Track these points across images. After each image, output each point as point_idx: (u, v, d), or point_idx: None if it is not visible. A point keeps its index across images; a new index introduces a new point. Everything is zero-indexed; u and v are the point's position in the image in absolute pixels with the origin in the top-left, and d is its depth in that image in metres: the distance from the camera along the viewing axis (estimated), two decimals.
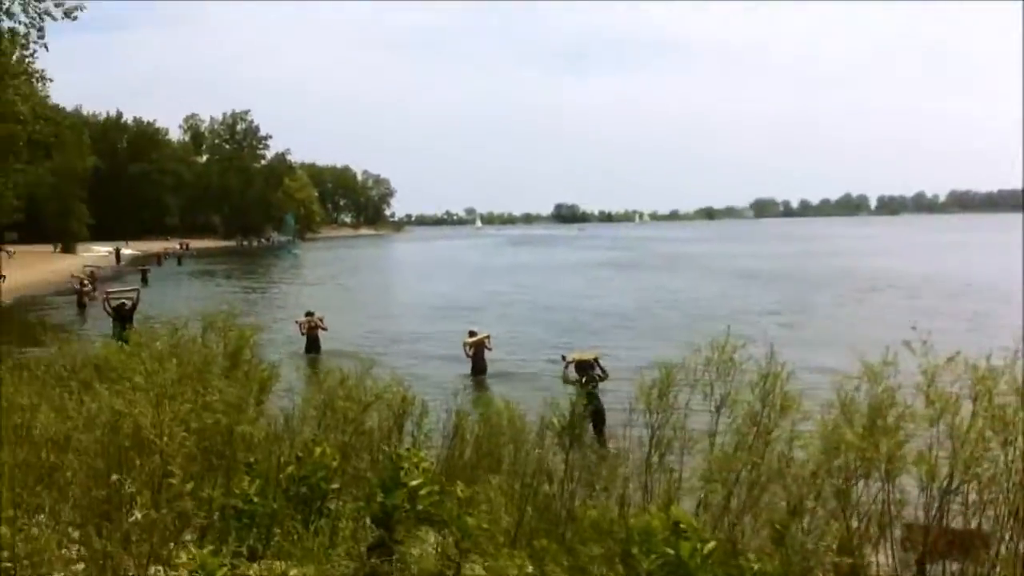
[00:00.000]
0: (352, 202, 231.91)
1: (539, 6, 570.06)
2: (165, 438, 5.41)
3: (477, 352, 21.71)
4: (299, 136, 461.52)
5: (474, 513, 6.10)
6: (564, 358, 16.62)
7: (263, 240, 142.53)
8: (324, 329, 25.01)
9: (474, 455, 8.52)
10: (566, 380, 16.20)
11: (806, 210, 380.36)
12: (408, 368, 18.40)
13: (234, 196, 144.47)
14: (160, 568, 5.59)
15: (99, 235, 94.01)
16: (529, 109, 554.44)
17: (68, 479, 6.41)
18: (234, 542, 5.97)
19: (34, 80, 32.49)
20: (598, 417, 13.73)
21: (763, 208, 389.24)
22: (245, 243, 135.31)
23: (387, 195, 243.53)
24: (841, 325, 28.70)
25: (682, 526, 5.25)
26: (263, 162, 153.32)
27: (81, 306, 38.03)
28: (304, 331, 24.71)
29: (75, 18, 30.90)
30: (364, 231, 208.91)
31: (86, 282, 40.26)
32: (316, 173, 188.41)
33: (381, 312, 37.31)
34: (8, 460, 6.95)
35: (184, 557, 5.42)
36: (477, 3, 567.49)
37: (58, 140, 58.71)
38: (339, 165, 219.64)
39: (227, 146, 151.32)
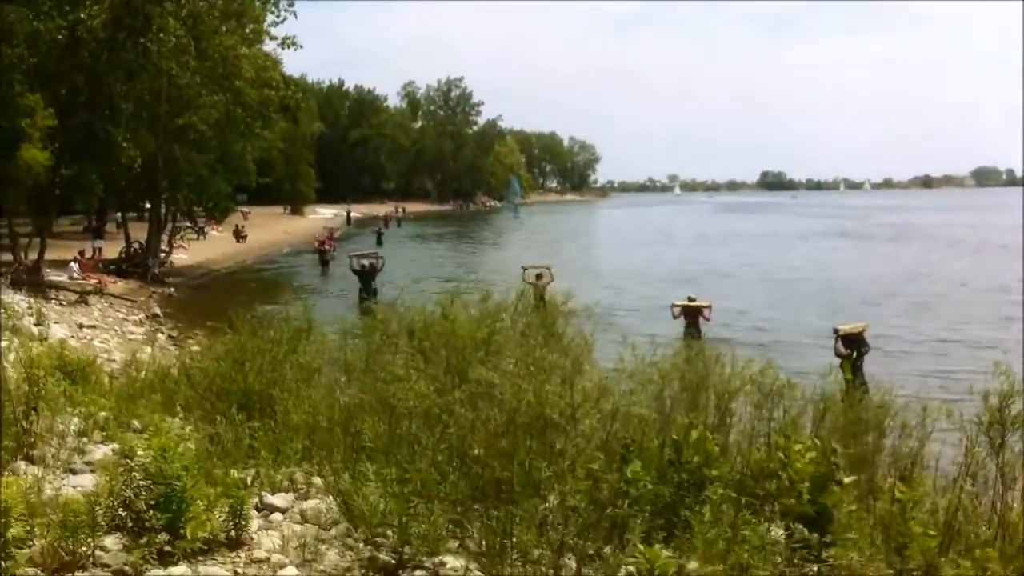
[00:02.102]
0: (558, 168, 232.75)
1: None
2: (586, 421, 4.89)
3: (692, 319, 21.35)
4: (507, 102, 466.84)
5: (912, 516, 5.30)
6: (836, 331, 15.96)
7: (474, 204, 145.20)
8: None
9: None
10: (838, 353, 15.44)
11: None
12: (629, 330, 17.50)
13: (447, 161, 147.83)
14: (568, 559, 5.09)
15: (321, 198, 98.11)
16: (734, 74, 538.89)
17: (443, 454, 6.00)
18: (639, 531, 5.39)
19: (285, 46, 33.59)
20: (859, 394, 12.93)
21: (984, 176, 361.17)
22: (461, 207, 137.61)
23: (592, 161, 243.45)
24: None
25: None
26: (475, 128, 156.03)
27: (324, 264, 39.55)
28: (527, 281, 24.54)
29: None
30: (570, 197, 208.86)
31: (327, 243, 41.80)
32: (524, 139, 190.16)
33: (601, 276, 36.63)
34: (371, 431, 6.67)
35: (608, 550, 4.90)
36: None
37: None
38: (546, 131, 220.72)
39: (441, 112, 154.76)
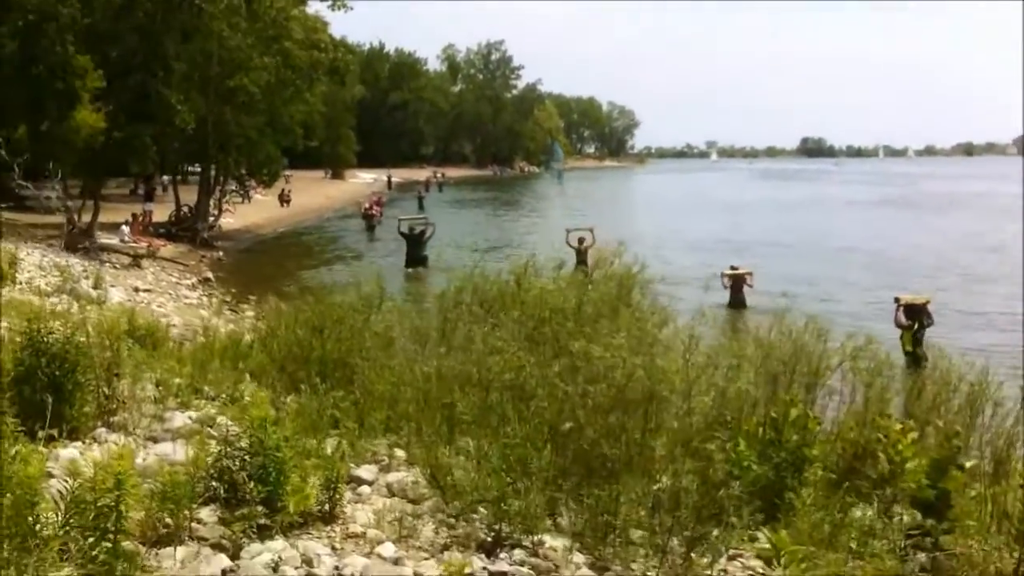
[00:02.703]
0: (596, 134, 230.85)
1: None
2: (702, 398, 4.72)
3: (736, 286, 21.78)
4: (547, 67, 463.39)
5: None
6: (897, 300, 15.86)
7: (512, 169, 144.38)
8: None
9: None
10: (898, 324, 15.24)
11: None
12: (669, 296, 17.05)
13: (486, 126, 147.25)
14: (678, 540, 4.95)
15: (360, 162, 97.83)
16: (772, 40, 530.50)
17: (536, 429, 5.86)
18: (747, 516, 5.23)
19: (335, 7, 33.19)
20: (919, 366, 12.70)
21: None
22: (500, 172, 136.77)
23: (631, 127, 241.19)
24: None
25: None
26: (514, 92, 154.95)
27: (370, 229, 39.60)
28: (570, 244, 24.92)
29: None
30: (608, 163, 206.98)
31: (373, 208, 41.83)
32: (562, 104, 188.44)
33: (644, 244, 35.74)
34: (463, 403, 6.55)
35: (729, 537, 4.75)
36: None
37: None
38: (584, 96, 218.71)
39: (481, 76, 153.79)
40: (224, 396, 8.50)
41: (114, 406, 7.27)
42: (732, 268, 22.33)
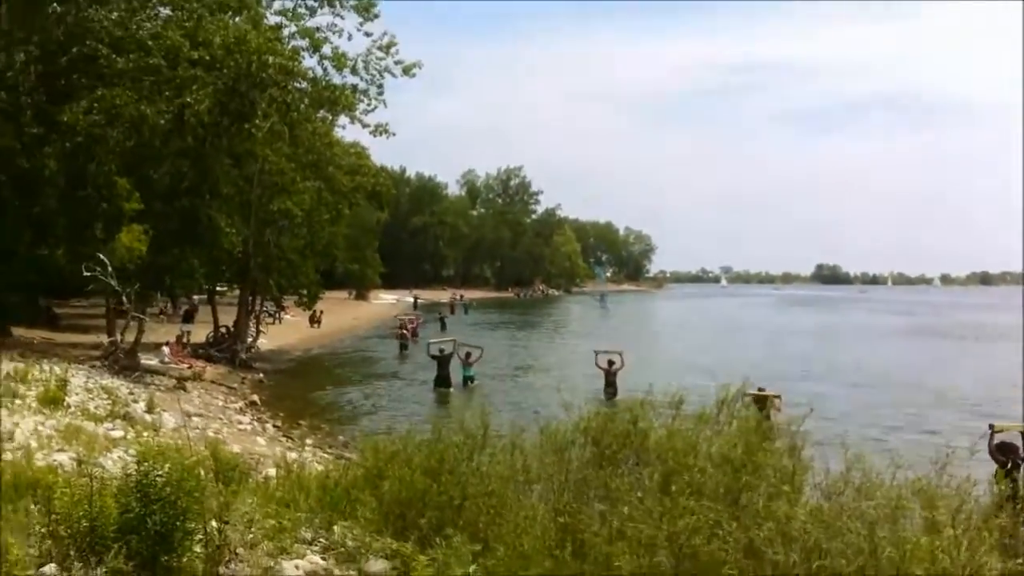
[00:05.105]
0: (613, 257, 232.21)
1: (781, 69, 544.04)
2: None
3: (762, 410, 20.62)
4: (562, 190, 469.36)
5: None
6: (991, 427, 14.14)
7: (533, 292, 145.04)
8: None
9: None
10: (994, 456, 13.61)
11: None
12: None
13: (505, 249, 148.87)
14: None
15: (383, 283, 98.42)
16: (784, 168, 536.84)
17: None
18: None
19: (377, 134, 33.28)
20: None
21: None
22: (523, 295, 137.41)
23: (648, 251, 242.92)
24: None
25: None
26: (534, 216, 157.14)
27: (403, 348, 39.32)
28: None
29: (413, 75, 31.43)
30: (626, 286, 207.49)
31: (406, 330, 41.69)
32: (579, 228, 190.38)
33: (687, 369, 34.78)
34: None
35: None
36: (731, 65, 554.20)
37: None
38: (602, 221, 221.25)
39: (500, 200, 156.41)
40: (324, 541, 7.82)
41: (226, 556, 6.57)
42: (760, 390, 21.60)
